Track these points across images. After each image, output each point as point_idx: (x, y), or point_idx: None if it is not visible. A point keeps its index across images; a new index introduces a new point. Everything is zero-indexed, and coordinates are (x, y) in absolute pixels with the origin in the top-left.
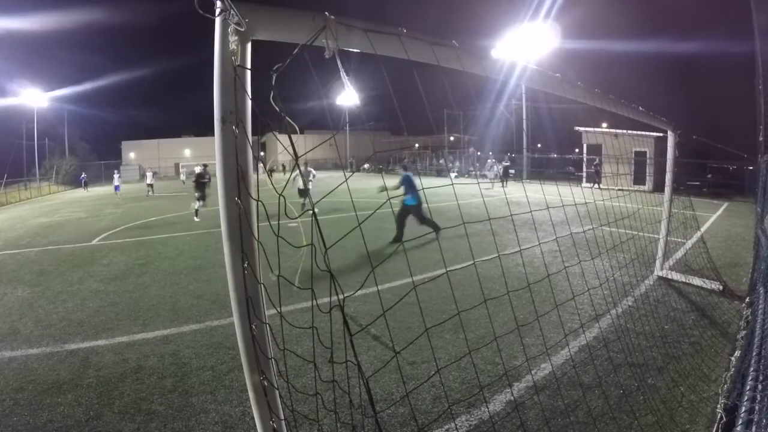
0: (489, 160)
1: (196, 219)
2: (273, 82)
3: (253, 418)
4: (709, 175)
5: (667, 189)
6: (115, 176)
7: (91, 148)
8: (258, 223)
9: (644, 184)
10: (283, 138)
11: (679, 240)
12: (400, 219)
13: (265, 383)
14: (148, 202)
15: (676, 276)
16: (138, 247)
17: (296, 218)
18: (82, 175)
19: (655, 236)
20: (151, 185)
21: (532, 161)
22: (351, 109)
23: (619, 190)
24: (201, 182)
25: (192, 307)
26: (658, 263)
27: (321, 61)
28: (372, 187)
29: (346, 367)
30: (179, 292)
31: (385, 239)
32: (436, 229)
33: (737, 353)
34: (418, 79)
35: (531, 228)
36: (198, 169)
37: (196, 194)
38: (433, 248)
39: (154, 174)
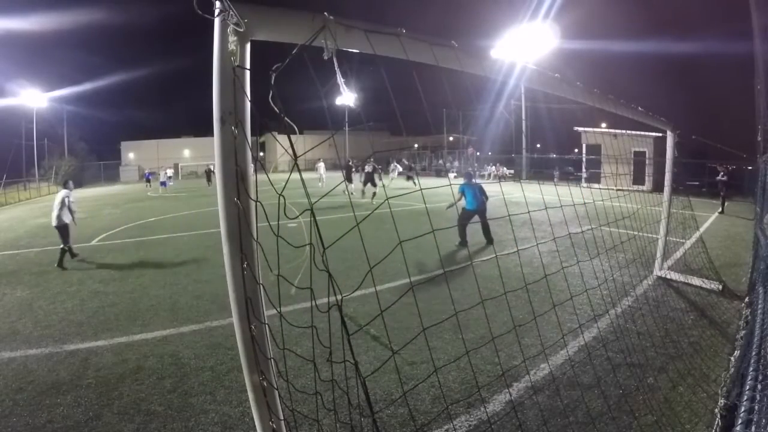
0: (392, 164)
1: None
2: (272, 82)
3: (252, 418)
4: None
5: (667, 189)
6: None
7: (90, 148)
8: (257, 223)
9: (643, 184)
10: (283, 138)
11: (679, 240)
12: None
13: (265, 383)
14: (150, 202)
15: (675, 276)
16: (137, 248)
17: (296, 218)
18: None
19: (655, 236)
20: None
21: (531, 161)
22: (350, 109)
23: (618, 190)
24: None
25: (191, 308)
26: (657, 263)
27: (320, 61)
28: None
29: (344, 367)
30: (178, 292)
31: (384, 239)
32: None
33: (737, 353)
34: (418, 79)
35: (530, 228)
36: (369, 168)
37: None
38: (431, 249)
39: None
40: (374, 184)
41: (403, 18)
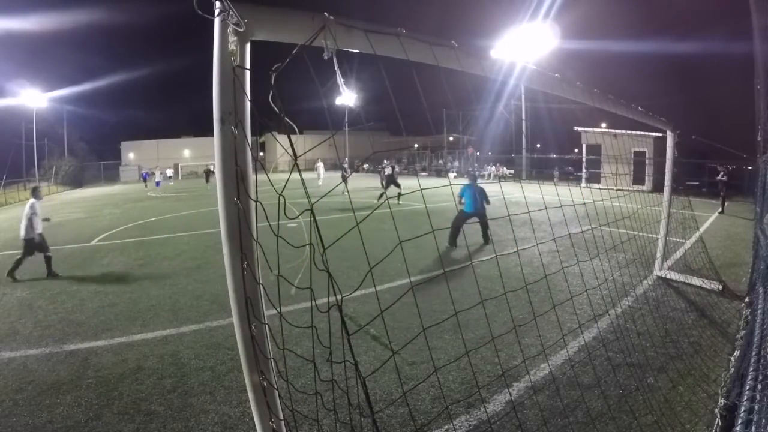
0: (385, 161)
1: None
2: (272, 82)
3: (252, 418)
4: (724, 177)
5: (667, 189)
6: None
7: (90, 148)
8: (257, 223)
9: (643, 184)
10: (283, 138)
11: (679, 240)
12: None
13: (265, 383)
14: (150, 202)
15: (675, 276)
16: (137, 248)
17: (296, 218)
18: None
19: (655, 236)
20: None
21: (531, 161)
22: (350, 109)
23: (618, 190)
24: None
25: (191, 308)
26: (657, 263)
27: (320, 61)
28: (372, 186)
29: (344, 367)
30: (178, 292)
31: (384, 239)
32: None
33: (737, 353)
34: (418, 79)
35: (530, 228)
36: (388, 171)
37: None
38: (432, 249)
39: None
40: (397, 185)
41: (403, 18)
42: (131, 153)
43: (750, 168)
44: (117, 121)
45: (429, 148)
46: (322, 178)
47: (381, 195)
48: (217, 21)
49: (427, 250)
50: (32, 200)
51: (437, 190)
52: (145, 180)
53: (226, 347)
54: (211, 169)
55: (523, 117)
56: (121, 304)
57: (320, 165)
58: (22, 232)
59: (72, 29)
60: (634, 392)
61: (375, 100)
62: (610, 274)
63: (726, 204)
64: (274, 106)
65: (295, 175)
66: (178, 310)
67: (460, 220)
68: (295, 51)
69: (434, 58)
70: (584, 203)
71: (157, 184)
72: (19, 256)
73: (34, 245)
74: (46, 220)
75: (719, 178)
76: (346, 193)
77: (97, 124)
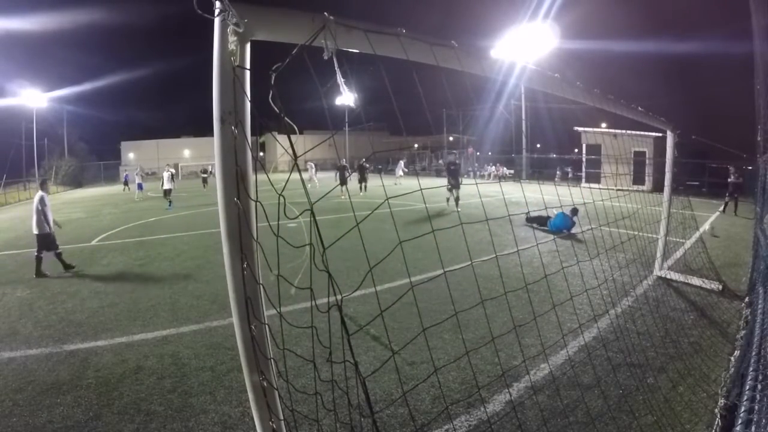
0: (401, 161)
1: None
2: (272, 82)
3: (252, 418)
4: (739, 179)
5: (667, 189)
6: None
7: (90, 148)
8: (257, 223)
9: (643, 184)
10: (283, 138)
11: (679, 240)
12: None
13: (265, 383)
14: (149, 202)
15: (675, 276)
16: (137, 248)
17: (296, 218)
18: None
19: (655, 236)
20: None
21: (531, 161)
22: (350, 109)
23: (618, 190)
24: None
25: (191, 308)
26: (657, 263)
27: (320, 61)
28: (372, 185)
29: (344, 367)
30: (178, 292)
31: (384, 239)
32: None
33: (737, 353)
34: (418, 79)
35: (530, 228)
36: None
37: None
38: (432, 249)
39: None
40: (457, 186)
41: (403, 18)
42: (131, 153)
43: (750, 168)
44: (117, 121)
45: (429, 148)
46: (316, 179)
47: (449, 199)
48: (217, 21)
49: (426, 250)
50: (41, 193)
51: (438, 190)
52: (126, 183)
53: (226, 347)
54: (210, 170)
55: (523, 117)
56: (121, 304)
57: (311, 166)
58: (35, 228)
59: (72, 29)
60: (634, 392)
61: (375, 100)
62: (610, 274)
63: (737, 206)
64: (274, 106)
65: (295, 175)
66: (178, 310)
67: (541, 219)
68: (295, 51)
69: (434, 58)
70: (584, 203)
71: (140, 187)
72: (36, 253)
73: (49, 239)
74: (56, 224)
75: (731, 180)
76: (345, 196)
77: (97, 124)
